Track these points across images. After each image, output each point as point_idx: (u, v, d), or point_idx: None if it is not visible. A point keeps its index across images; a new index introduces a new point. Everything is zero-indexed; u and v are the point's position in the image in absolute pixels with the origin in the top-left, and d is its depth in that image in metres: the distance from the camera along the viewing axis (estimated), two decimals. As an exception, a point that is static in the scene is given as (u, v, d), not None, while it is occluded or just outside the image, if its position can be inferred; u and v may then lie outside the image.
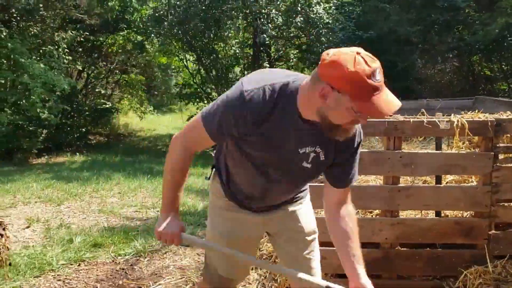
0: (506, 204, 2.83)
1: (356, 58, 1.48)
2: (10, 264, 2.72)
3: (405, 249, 2.85)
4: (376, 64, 1.50)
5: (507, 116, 2.75)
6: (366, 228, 2.78)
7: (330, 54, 1.54)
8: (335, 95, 1.54)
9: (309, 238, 2.13)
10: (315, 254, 2.16)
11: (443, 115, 2.79)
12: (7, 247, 2.53)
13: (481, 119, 2.73)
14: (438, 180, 2.97)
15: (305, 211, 2.14)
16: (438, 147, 2.94)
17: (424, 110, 2.82)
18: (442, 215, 2.99)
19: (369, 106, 1.50)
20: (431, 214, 3.06)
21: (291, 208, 2.10)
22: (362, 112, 1.54)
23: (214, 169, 2.12)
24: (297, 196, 2.10)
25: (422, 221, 2.84)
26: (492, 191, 2.75)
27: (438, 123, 2.69)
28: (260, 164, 1.86)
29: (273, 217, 2.07)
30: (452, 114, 2.73)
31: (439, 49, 11.80)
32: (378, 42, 11.69)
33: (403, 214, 2.98)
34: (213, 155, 2.13)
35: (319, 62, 1.57)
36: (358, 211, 3.10)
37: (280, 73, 1.79)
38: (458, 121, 2.67)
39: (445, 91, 12.10)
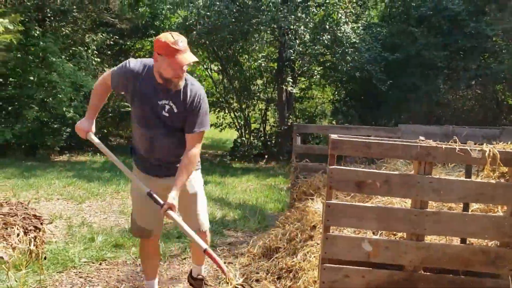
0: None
1: (167, 35, 2.72)
2: (45, 258, 2.80)
3: (428, 273, 2.86)
4: (180, 37, 2.72)
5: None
6: (391, 249, 2.80)
7: (159, 36, 2.76)
8: (159, 57, 2.73)
9: (191, 199, 3.16)
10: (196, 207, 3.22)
11: (475, 144, 2.80)
12: (43, 241, 2.60)
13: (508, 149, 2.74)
14: (465, 207, 2.98)
15: (191, 181, 3.09)
16: (468, 175, 2.96)
17: (456, 138, 2.84)
18: (468, 242, 2.99)
19: (174, 61, 2.69)
20: (456, 241, 3.06)
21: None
22: (172, 65, 2.70)
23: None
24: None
25: (447, 247, 2.85)
26: (519, 222, 2.75)
27: (470, 151, 2.71)
28: (140, 117, 2.92)
29: (169, 184, 2.90)
30: (484, 144, 2.75)
31: (464, 75, 11.76)
32: (403, 64, 11.71)
33: (428, 239, 2.99)
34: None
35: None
36: (382, 233, 3.12)
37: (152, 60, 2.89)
38: (490, 150, 2.69)
39: (467, 118, 12.03)
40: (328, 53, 12.14)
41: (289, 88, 11.65)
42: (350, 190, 2.90)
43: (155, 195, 2.90)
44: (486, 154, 2.70)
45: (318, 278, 2.90)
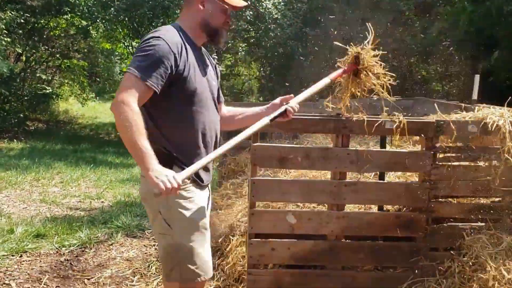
0: (442, 200, 3.04)
1: None
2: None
3: (349, 241, 3.00)
4: None
5: (445, 117, 2.96)
6: (314, 220, 2.91)
7: None
8: (208, 3, 2.17)
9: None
10: None
11: (388, 115, 2.95)
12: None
13: (422, 120, 2.92)
14: (382, 176, 3.14)
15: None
16: (383, 145, 3.12)
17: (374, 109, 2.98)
18: (384, 209, 3.16)
19: (231, 3, 2.19)
20: (374, 209, 3.23)
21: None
22: (228, 7, 2.21)
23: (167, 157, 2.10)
24: None
25: (366, 215, 3.01)
26: (430, 187, 2.95)
27: (383, 123, 2.85)
28: (201, 95, 2.18)
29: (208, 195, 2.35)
30: (397, 114, 2.90)
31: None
32: (324, 40, 11.96)
33: (348, 208, 3.13)
34: None
35: None
36: (305, 205, 3.22)
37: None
38: (401, 121, 2.84)
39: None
40: (251, 29, 12.16)
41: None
42: (273, 166, 2.97)
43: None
44: (395, 126, 2.85)
45: (246, 253, 2.96)
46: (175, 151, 2.12)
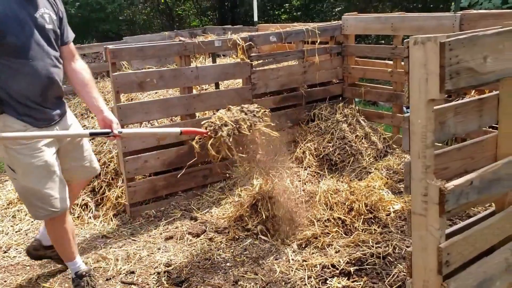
0: (261, 98, 4.01)
1: None
2: None
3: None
4: None
5: (256, 33, 3.86)
6: (174, 130, 3.55)
7: None
8: None
9: (86, 154, 2.63)
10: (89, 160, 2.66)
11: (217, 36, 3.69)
12: None
13: (239, 37, 3.75)
14: (217, 85, 3.92)
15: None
16: (214, 60, 3.87)
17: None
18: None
19: None
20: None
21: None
22: None
23: None
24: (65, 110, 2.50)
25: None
26: (252, 88, 3.87)
27: (214, 42, 3.59)
28: (20, 47, 2.18)
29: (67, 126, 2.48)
30: (228, 34, 3.66)
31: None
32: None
33: (199, 116, 3.82)
34: None
35: None
36: (164, 121, 3.80)
37: None
38: (229, 40, 3.63)
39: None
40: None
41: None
42: (134, 91, 3.44)
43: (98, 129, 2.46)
44: (222, 43, 3.63)
45: (123, 170, 3.43)
46: (6, 97, 2.24)
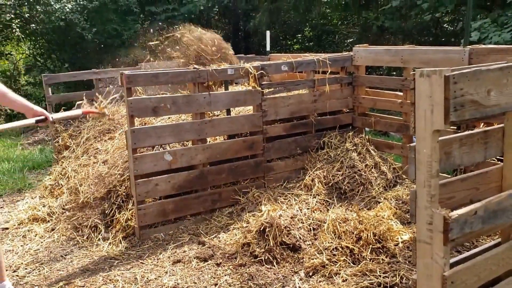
0: (271, 125, 4.07)
1: None
2: None
3: (213, 167, 3.80)
4: None
5: (268, 62, 3.95)
6: (186, 155, 3.61)
7: None
8: None
9: None
10: None
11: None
12: None
13: (251, 66, 3.83)
14: (228, 112, 4.00)
15: None
16: (226, 88, 3.95)
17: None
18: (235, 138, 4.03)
19: None
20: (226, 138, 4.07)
21: None
22: None
23: None
24: None
25: (222, 144, 3.83)
26: (262, 115, 3.94)
27: (227, 69, 3.68)
28: None
29: None
30: (241, 62, 3.75)
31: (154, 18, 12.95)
32: (99, 12, 12.04)
33: (209, 141, 3.89)
34: None
35: None
36: (176, 145, 3.87)
37: None
38: (241, 68, 3.71)
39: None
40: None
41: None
42: (148, 115, 3.52)
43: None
44: (235, 72, 3.72)
45: (134, 193, 3.48)
46: None
